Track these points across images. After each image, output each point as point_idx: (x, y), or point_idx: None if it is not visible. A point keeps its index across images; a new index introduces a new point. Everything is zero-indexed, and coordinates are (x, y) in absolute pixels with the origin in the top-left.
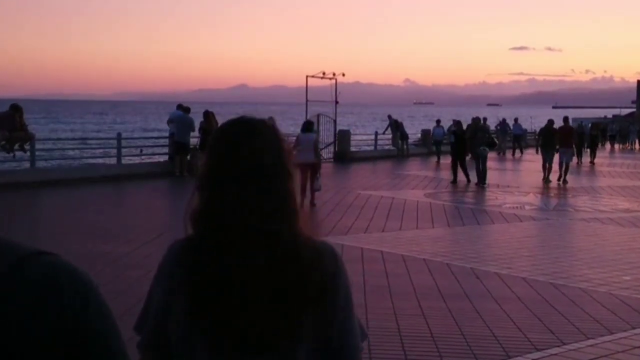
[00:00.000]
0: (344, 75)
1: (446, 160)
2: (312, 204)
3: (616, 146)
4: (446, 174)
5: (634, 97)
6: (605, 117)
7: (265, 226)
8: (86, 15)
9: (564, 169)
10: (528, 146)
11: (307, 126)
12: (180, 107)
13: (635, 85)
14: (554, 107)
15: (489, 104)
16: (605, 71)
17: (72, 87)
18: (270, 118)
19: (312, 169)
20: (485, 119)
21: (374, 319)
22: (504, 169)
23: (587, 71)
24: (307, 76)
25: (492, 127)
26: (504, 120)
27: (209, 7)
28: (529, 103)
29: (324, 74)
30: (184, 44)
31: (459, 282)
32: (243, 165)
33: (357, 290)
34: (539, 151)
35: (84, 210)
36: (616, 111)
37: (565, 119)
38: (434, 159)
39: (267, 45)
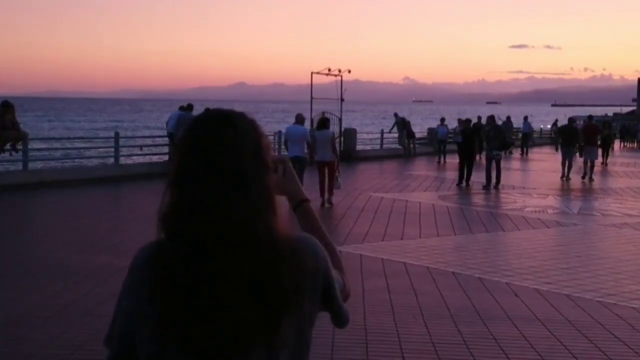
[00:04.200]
0: (349, 72)
1: (452, 160)
2: (330, 203)
3: (621, 145)
4: (455, 175)
5: (633, 95)
6: (606, 114)
7: (241, 226)
8: (85, 12)
9: (589, 167)
10: (534, 144)
11: (323, 123)
12: (182, 108)
13: (634, 83)
14: (552, 105)
15: (488, 102)
16: (604, 69)
17: (70, 85)
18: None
19: (330, 167)
20: (493, 118)
21: (410, 349)
22: (516, 169)
23: (586, 69)
24: (312, 73)
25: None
26: (508, 118)
27: (207, 4)
28: (528, 101)
29: (329, 70)
30: (183, 42)
31: (497, 301)
32: (218, 160)
33: (385, 312)
34: (559, 149)
35: (79, 215)
36: (617, 109)
37: (590, 117)
38: (437, 158)
39: (264, 43)
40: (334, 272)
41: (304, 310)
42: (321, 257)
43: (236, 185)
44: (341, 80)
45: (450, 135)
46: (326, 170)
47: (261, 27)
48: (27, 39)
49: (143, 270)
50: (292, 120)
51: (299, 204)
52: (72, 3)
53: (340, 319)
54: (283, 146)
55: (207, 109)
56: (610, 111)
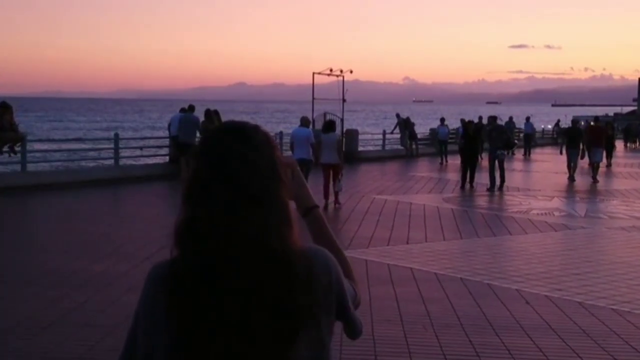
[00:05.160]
0: (351, 72)
1: (452, 161)
2: (337, 203)
3: (625, 145)
4: (458, 176)
5: (633, 94)
6: (606, 114)
7: (256, 240)
8: (84, 12)
9: (595, 167)
10: (536, 145)
11: (329, 126)
12: (183, 110)
13: (634, 83)
14: (553, 105)
15: (488, 102)
16: (604, 69)
17: (69, 85)
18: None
19: (335, 170)
20: (495, 118)
21: None
22: (519, 170)
23: (586, 69)
24: (313, 73)
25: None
26: (510, 118)
27: (207, 4)
28: (528, 101)
29: (331, 70)
30: (183, 42)
31: (508, 309)
32: (232, 174)
33: (393, 322)
34: (564, 151)
35: (77, 218)
36: (617, 109)
37: (596, 118)
38: (439, 159)
39: (264, 43)
40: (346, 282)
41: (320, 324)
42: (334, 271)
43: (251, 200)
44: (343, 80)
45: (452, 136)
46: (331, 173)
47: (261, 27)
48: (27, 38)
49: (157, 287)
50: (293, 120)
51: (309, 211)
52: (72, 3)
53: (353, 330)
54: (288, 149)
55: (207, 110)
56: (610, 111)
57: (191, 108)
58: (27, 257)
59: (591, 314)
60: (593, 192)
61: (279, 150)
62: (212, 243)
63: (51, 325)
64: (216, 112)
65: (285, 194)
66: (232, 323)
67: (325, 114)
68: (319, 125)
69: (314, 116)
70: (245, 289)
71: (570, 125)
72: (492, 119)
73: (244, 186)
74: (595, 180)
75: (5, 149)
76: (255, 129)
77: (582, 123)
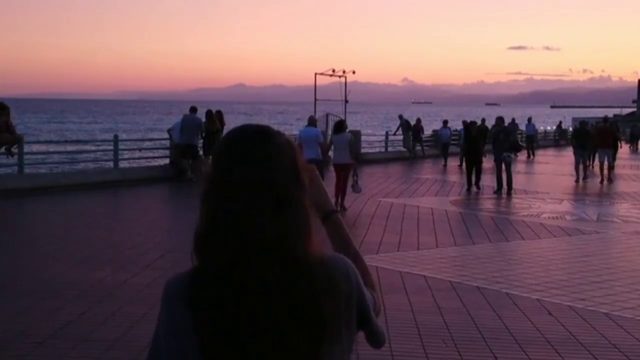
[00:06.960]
0: (354, 72)
1: (452, 163)
2: (343, 208)
3: (631, 147)
4: (462, 178)
5: (632, 96)
6: (606, 116)
7: (276, 245)
8: (83, 13)
9: (606, 168)
10: (539, 147)
11: (340, 126)
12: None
13: (633, 84)
14: (552, 107)
15: (487, 104)
16: (603, 71)
17: (69, 87)
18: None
19: (346, 170)
20: (502, 120)
21: None
22: (524, 172)
23: (585, 70)
24: (315, 74)
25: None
26: (513, 120)
27: (207, 5)
28: (527, 102)
29: (333, 71)
30: (182, 43)
31: (531, 321)
32: (253, 176)
33: (411, 335)
34: (573, 152)
35: (74, 223)
36: (616, 110)
37: (605, 119)
38: (442, 161)
39: (263, 44)
40: (366, 290)
41: (341, 337)
42: (354, 280)
43: (272, 203)
44: (345, 81)
45: (454, 137)
46: (342, 174)
47: (261, 28)
48: (27, 39)
49: (177, 302)
50: (293, 121)
51: (327, 216)
52: (72, 3)
53: (376, 340)
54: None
55: (208, 111)
56: (610, 112)
57: (193, 109)
58: (23, 264)
59: (619, 326)
60: (602, 194)
61: (301, 154)
62: (232, 250)
63: (47, 338)
64: (219, 112)
65: (307, 199)
66: (260, 332)
67: (327, 115)
68: (320, 126)
69: (317, 117)
70: (268, 296)
71: (578, 126)
72: (500, 120)
73: (265, 189)
74: (609, 180)
75: (2, 150)
76: (278, 132)
77: (577, 124)
